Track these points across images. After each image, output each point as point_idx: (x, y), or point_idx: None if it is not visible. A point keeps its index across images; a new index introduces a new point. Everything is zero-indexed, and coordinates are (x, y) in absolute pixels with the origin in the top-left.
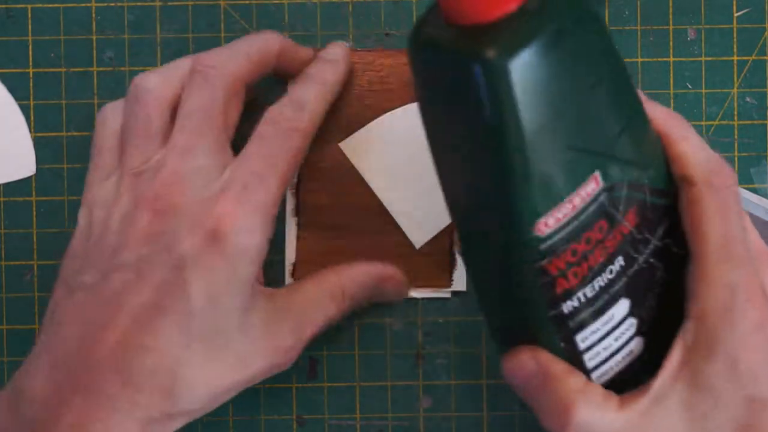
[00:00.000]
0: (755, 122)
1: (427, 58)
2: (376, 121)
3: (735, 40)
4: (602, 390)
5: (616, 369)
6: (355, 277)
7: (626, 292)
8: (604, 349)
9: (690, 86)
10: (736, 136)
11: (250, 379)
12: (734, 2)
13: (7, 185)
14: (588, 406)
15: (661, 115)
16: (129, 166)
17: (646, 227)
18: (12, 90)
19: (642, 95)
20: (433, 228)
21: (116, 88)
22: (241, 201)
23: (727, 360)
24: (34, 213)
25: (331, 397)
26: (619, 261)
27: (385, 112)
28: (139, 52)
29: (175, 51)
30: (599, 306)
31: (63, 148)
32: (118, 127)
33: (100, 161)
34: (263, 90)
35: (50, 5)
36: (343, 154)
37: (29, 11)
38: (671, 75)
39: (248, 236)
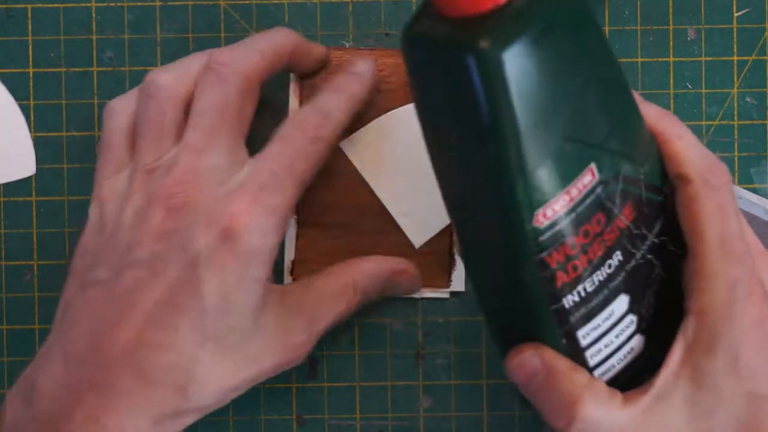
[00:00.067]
0: (755, 122)
1: (421, 52)
2: (376, 120)
3: (735, 40)
4: (606, 387)
5: (618, 367)
6: (367, 271)
7: (625, 288)
8: (606, 346)
9: (690, 86)
10: (736, 136)
11: (262, 375)
12: (734, 2)
13: (7, 185)
14: (593, 402)
15: (654, 115)
16: (141, 162)
17: (643, 223)
18: (12, 90)
19: (636, 95)
20: (433, 228)
21: (116, 88)
22: (257, 201)
23: (728, 356)
24: (34, 213)
25: (331, 397)
26: (618, 256)
27: (387, 111)
28: (139, 52)
29: (175, 51)
30: (599, 301)
31: (63, 148)
32: (127, 121)
33: (109, 156)
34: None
35: (50, 5)
36: (344, 154)
37: (29, 11)
38: (671, 75)
39: (261, 237)
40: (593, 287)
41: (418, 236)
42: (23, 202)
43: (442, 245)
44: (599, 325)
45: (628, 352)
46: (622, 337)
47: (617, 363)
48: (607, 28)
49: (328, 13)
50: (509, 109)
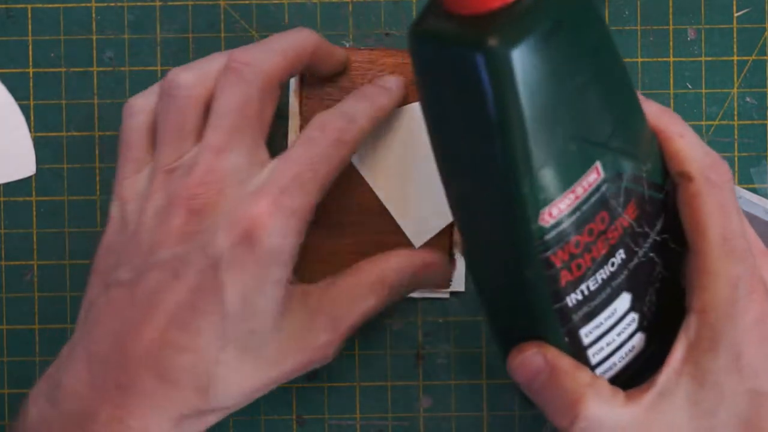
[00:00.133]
0: (755, 122)
1: (428, 50)
2: None
3: (735, 40)
4: (609, 385)
5: (619, 365)
6: (395, 266)
7: (628, 286)
8: (608, 344)
9: (690, 86)
10: (736, 136)
11: (284, 376)
12: (734, 2)
13: (7, 185)
14: (597, 401)
15: (655, 112)
16: (161, 162)
17: (645, 221)
18: (12, 90)
19: (637, 94)
20: (433, 228)
21: (116, 88)
22: (278, 204)
23: (730, 354)
24: (34, 213)
25: (331, 397)
26: (620, 254)
27: None
28: (139, 52)
29: (175, 51)
30: (602, 299)
31: (63, 148)
32: (146, 119)
33: (129, 155)
34: None
35: (50, 5)
36: None
37: (29, 11)
38: (671, 75)
39: (282, 239)
40: (596, 286)
41: (417, 236)
42: (23, 202)
43: (442, 245)
44: (601, 324)
45: (630, 351)
46: (624, 336)
47: (618, 361)
48: None
49: (328, 13)
50: (517, 107)
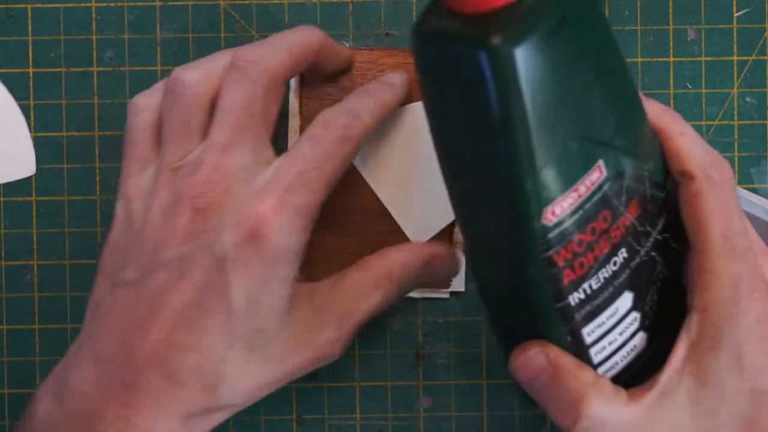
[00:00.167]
0: (755, 122)
1: (431, 48)
2: None
3: (735, 40)
4: (611, 384)
5: (621, 364)
6: (401, 260)
7: (630, 285)
8: (610, 343)
9: (690, 86)
10: (736, 136)
11: (292, 373)
12: (734, 2)
13: (7, 185)
14: (599, 400)
15: (656, 111)
16: (167, 160)
17: (647, 219)
18: (12, 90)
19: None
20: (432, 228)
21: (116, 88)
22: (284, 202)
23: (732, 353)
24: (34, 213)
25: (331, 397)
26: (623, 253)
27: None
28: (139, 52)
29: (175, 51)
30: (604, 298)
31: (63, 148)
32: (151, 117)
33: (134, 153)
34: None
35: (50, 5)
36: None
37: (29, 11)
38: (671, 75)
39: (288, 237)
40: (599, 285)
41: (417, 236)
42: (23, 202)
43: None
44: (604, 323)
45: (631, 350)
46: (626, 335)
47: (620, 360)
48: None
49: (328, 13)
50: (520, 105)
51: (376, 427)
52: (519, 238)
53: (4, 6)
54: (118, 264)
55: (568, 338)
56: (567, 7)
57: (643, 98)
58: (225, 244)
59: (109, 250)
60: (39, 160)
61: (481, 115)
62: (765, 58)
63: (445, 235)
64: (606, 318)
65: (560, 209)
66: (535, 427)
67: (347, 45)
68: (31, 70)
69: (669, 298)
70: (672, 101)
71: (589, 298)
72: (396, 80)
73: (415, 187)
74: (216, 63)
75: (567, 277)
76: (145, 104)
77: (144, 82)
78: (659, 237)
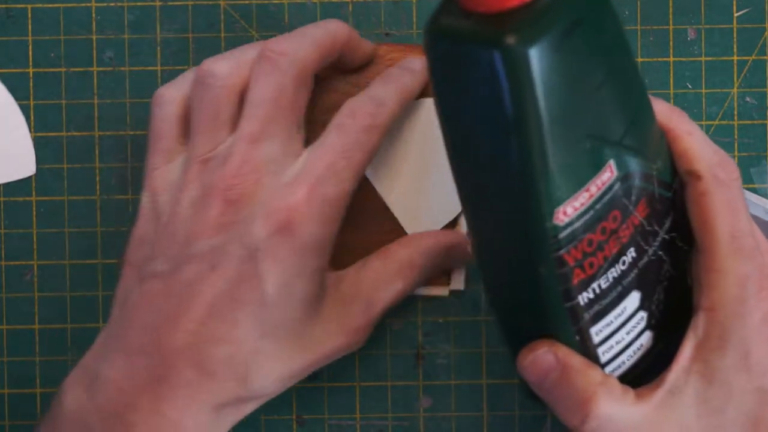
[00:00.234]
0: (755, 122)
1: (444, 47)
2: None
3: (735, 40)
4: (619, 383)
5: (628, 364)
6: (422, 248)
7: (637, 285)
8: (617, 342)
9: (690, 86)
10: (736, 136)
11: (322, 360)
12: (734, 2)
13: (7, 185)
14: (608, 399)
15: (664, 111)
16: (196, 152)
17: (655, 219)
18: (12, 90)
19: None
20: (433, 226)
21: (116, 88)
22: (314, 193)
23: (739, 353)
24: (34, 213)
25: (331, 397)
26: (631, 252)
27: None
28: (139, 52)
29: (175, 51)
30: (612, 298)
31: (63, 148)
32: (177, 109)
33: (160, 145)
34: None
35: (50, 5)
36: None
37: (29, 11)
38: (671, 75)
39: (319, 228)
40: (607, 284)
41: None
42: (23, 202)
43: None
44: (611, 322)
45: (638, 349)
46: (633, 334)
47: (627, 360)
48: None
49: (328, 13)
50: (534, 105)
51: (376, 427)
52: (530, 237)
53: (4, 6)
54: (145, 256)
55: (577, 338)
56: (582, 8)
57: (650, 98)
58: (257, 236)
59: (135, 243)
60: (39, 160)
61: (494, 115)
62: (765, 58)
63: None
64: (614, 317)
65: (572, 209)
66: (535, 427)
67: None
68: (31, 70)
69: (675, 297)
70: (672, 101)
71: (598, 297)
72: (416, 65)
73: (416, 184)
74: (246, 55)
75: (577, 276)
76: (170, 96)
77: (144, 82)
78: (666, 236)
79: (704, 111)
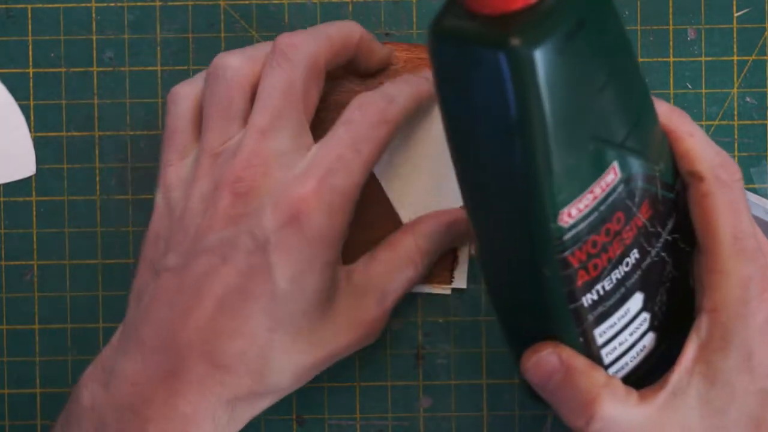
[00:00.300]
0: (755, 122)
1: (448, 48)
2: None
3: (735, 40)
4: (623, 385)
5: (631, 365)
6: (425, 231)
7: (640, 286)
8: (620, 344)
9: (690, 86)
10: (736, 136)
11: (337, 354)
12: (734, 2)
13: (7, 185)
14: (612, 401)
15: (665, 112)
16: (207, 146)
17: (658, 220)
18: (12, 90)
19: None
20: None
21: (116, 88)
22: (324, 184)
23: (741, 354)
24: (34, 213)
25: (331, 397)
26: (634, 254)
27: None
28: (139, 52)
29: (175, 51)
30: (616, 299)
31: (63, 148)
32: (191, 106)
33: (173, 142)
34: None
35: (50, 5)
36: None
37: (29, 11)
38: (671, 75)
39: (329, 220)
40: (611, 286)
41: None
42: (23, 202)
43: None
44: (615, 323)
45: (641, 350)
46: (636, 335)
47: (630, 361)
48: None
49: (328, 13)
50: (539, 107)
51: (376, 427)
52: (534, 239)
53: (4, 6)
54: (160, 252)
55: (580, 339)
56: (585, 9)
57: (652, 99)
58: (267, 228)
59: (150, 239)
60: (39, 160)
61: (498, 117)
62: (765, 58)
63: None
64: (617, 319)
65: (576, 211)
66: (535, 427)
67: None
68: (31, 70)
69: (677, 298)
70: (672, 101)
71: (601, 299)
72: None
73: (418, 182)
74: (258, 51)
75: (581, 278)
76: (185, 93)
77: (144, 82)
78: (669, 238)
79: (704, 111)
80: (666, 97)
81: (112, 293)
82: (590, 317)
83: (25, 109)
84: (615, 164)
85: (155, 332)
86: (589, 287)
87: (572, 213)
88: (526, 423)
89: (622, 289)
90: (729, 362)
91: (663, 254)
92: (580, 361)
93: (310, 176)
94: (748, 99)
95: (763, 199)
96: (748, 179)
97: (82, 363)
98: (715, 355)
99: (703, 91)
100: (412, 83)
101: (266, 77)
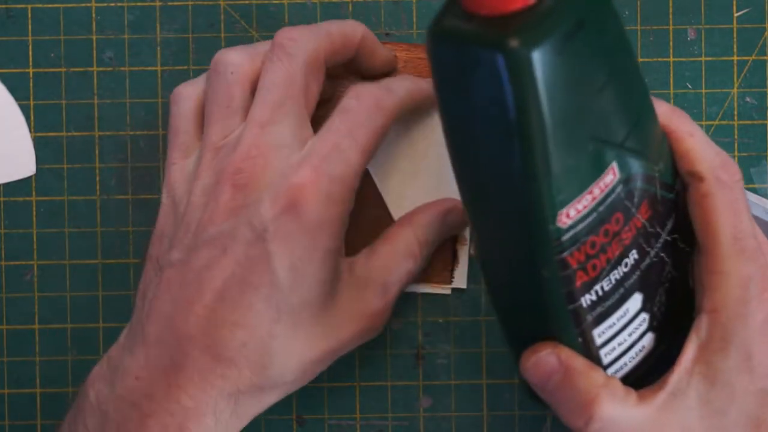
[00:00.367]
0: (755, 122)
1: (447, 49)
2: None
3: (735, 40)
4: (622, 385)
5: (630, 365)
6: (422, 222)
7: (639, 287)
8: (619, 344)
9: (690, 86)
10: (736, 136)
11: (341, 347)
12: (734, 2)
13: (7, 185)
14: (611, 401)
15: (665, 112)
16: (209, 141)
17: (657, 221)
18: (12, 90)
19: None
20: None
21: (116, 88)
22: (320, 173)
23: (741, 354)
24: (34, 213)
25: (331, 397)
26: (633, 254)
27: None
28: (139, 52)
29: (175, 51)
30: (615, 300)
31: (63, 148)
32: (193, 105)
33: (177, 141)
34: None
35: (50, 5)
36: None
37: (29, 11)
38: (671, 75)
39: (327, 207)
40: (610, 286)
41: None
42: (23, 202)
43: (444, 241)
44: (614, 324)
45: (640, 351)
46: (635, 336)
47: (629, 361)
48: None
49: (328, 13)
50: (537, 108)
51: (376, 427)
52: (533, 240)
53: (4, 6)
54: (165, 249)
55: (579, 340)
56: (584, 10)
57: (652, 99)
58: (264, 217)
59: (156, 238)
60: (39, 160)
61: (497, 118)
62: (765, 58)
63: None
64: (616, 319)
65: (575, 212)
66: (535, 427)
67: None
68: (31, 70)
69: (677, 299)
70: (672, 101)
71: (600, 299)
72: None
73: (416, 184)
74: (259, 47)
75: (580, 279)
76: (187, 93)
77: (144, 82)
78: (668, 238)
79: (704, 111)
80: (666, 97)
81: (112, 293)
82: (589, 318)
83: (25, 109)
84: (614, 165)
85: (158, 327)
86: (587, 288)
87: (571, 214)
88: (526, 423)
89: (621, 290)
90: (729, 362)
91: (662, 255)
92: (579, 362)
93: (307, 165)
94: (748, 99)
95: (763, 199)
96: (748, 179)
97: (82, 363)
98: (715, 356)
99: (703, 91)
100: (412, 80)
101: (266, 71)
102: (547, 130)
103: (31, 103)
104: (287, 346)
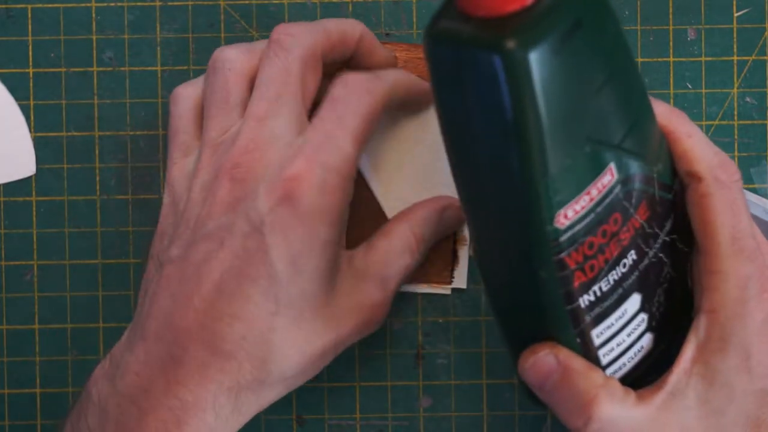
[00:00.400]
0: (755, 122)
1: (444, 51)
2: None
3: (735, 40)
4: (621, 385)
5: (628, 366)
6: (420, 218)
7: (638, 287)
8: (618, 345)
9: (690, 86)
10: (736, 136)
11: (342, 340)
12: (734, 2)
13: (7, 185)
14: (610, 401)
15: (664, 112)
16: (208, 138)
17: (655, 221)
18: (12, 90)
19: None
20: None
21: (116, 88)
22: (314, 162)
23: (740, 354)
24: (34, 213)
25: (331, 397)
26: (632, 255)
27: None
28: (139, 52)
29: (175, 51)
30: (613, 301)
31: (63, 148)
32: (193, 105)
33: (177, 140)
34: None
35: (50, 5)
36: None
37: (29, 11)
38: (671, 75)
39: (322, 196)
40: (608, 287)
41: None
42: (23, 202)
43: (444, 241)
44: (612, 324)
45: (639, 351)
46: (634, 336)
47: (628, 362)
48: None
49: (328, 13)
50: (534, 109)
51: (376, 427)
52: (531, 241)
53: (4, 6)
54: (165, 246)
55: (578, 340)
56: (581, 10)
57: (651, 100)
58: (261, 209)
59: (158, 236)
60: (39, 160)
61: (494, 119)
62: (765, 58)
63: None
64: (615, 320)
65: (573, 212)
66: (535, 427)
67: None
68: (31, 70)
69: (676, 299)
70: (672, 101)
71: (599, 300)
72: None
73: (414, 185)
74: (256, 45)
75: (578, 279)
76: (186, 94)
77: (144, 82)
78: (667, 238)
79: (704, 111)
80: (666, 97)
81: (112, 293)
82: (587, 318)
83: (25, 109)
84: (612, 165)
85: (157, 323)
86: (586, 288)
87: (569, 214)
88: (526, 423)
89: (620, 290)
90: (727, 363)
91: (661, 255)
92: (577, 362)
93: (300, 155)
94: (748, 99)
95: (763, 199)
96: (748, 179)
97: (82, 363)
98: (714, 356)
99: (703, 91)
100: (400, 71)
101: (263, 67)
102: (545, 131)
103: (31, 103)
104: (287, 338)
